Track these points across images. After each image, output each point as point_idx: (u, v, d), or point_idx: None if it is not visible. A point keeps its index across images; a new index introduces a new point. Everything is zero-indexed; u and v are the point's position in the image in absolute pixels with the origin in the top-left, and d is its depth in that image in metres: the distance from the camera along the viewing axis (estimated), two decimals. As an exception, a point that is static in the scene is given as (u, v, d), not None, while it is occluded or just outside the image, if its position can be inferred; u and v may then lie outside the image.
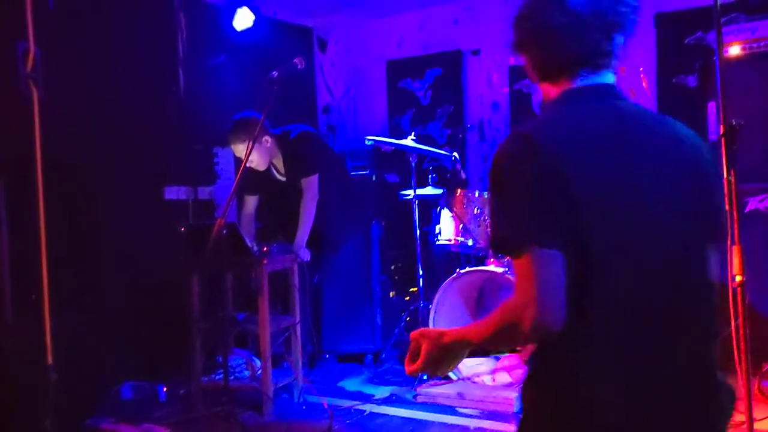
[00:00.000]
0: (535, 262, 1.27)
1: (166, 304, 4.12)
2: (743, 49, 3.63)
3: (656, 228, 1.31)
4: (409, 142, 4.11)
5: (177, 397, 3.89)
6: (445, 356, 1.47)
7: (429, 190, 4.34)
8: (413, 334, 1.52)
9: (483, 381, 3.81)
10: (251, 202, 4.24)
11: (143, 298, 4.12)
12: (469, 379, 3.84)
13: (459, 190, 4.10)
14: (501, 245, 1.37)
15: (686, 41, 4.69)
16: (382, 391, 3.95)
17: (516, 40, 1.48)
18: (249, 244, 3.61)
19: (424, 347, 1.46)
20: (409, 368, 1.50)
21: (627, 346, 1.29)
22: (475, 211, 4.02)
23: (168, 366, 4.14)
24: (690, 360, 1.32)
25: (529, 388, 1.41)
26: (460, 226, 4.03)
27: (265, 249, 3.68)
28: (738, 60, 3.63)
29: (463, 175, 4.32)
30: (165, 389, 3.90)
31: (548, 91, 1.48)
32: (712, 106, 3.64)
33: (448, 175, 4.42)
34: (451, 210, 4.07)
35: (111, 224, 4.12)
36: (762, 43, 3.57)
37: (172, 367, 4.12)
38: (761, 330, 3.34)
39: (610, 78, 1.44)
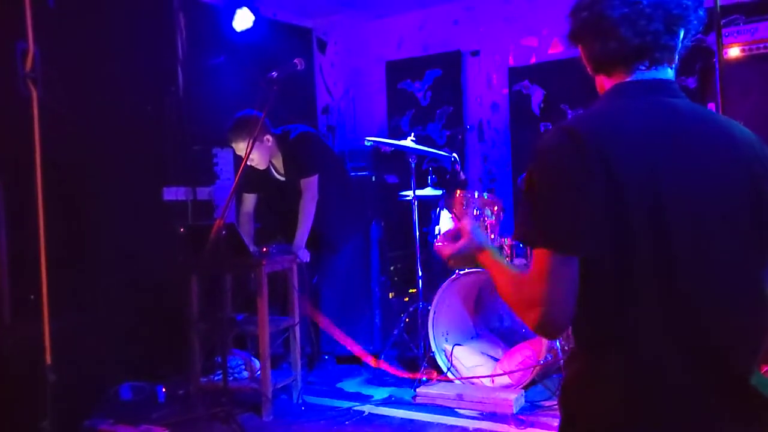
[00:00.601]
0: (549, 264, 1.28)
1: (165, 304, 4.12)
2: (743, 50, 3.63)
3: (700, 231, 1.26)
4: (408, 142, 4.11)
5: (176, 398, 3.89)
6: (470, 262, 1.57)
7: (428, 191, 4.34)
8: (463, 225, 1.56)
9: (482, 382, 3.81)
10: (250, 200, 4.24)
11: (142, 298, 4.12)
12: (468, 380, 3.84)
13: (458, 191, 4.10)
14: (522, 239, 1.42)
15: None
16: (381, 392, 3.95)
17: (571, 31, 1.44)
18: (248, 244, 3.61)
19: (461, 242, 1.54)
20: (439, 248, 1.60)
21: (663, 352, 1.26)
22: (475, 212, 4.02)
23: (167, 366, 4.14)
24: (728, 371, 1.27)
25: (566, 390, 1.39)
26: (460, 227, 4.03)
27: (264, 250, 3.68)
28: (737, 61, 3.64)
29: (463, 176, 4.32)
30: (164, 390, 3.90)
31: (603, 83, 1.44)
32: (711, 108, 3.65)
33: (448, 176, 4.41)
34: (450, 211, 4.07)
35: (110, 224, 4.11)
36: (761, 45, 3.57)
37: (171, 367, 4.12)
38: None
39: (668, 74, 1.39)
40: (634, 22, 1.34)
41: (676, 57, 1.39)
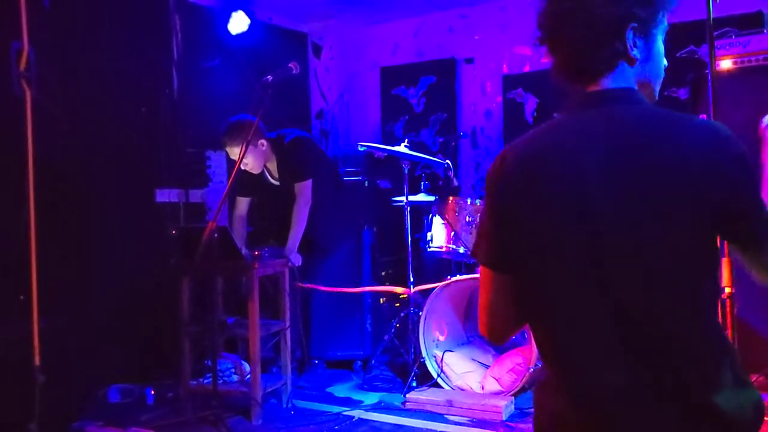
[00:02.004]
0: (483, 277, 1.43)
1: (156, 306, 4.10)
2: (734, 63, 3.66)
3: (637, 241, 1.24)
4: (402, 148, 4.12)
5: (165, 401, 3.87)
6: None
7: (421, 197, 4.35)
8: None
9: (472, 389, 3.81)
10: (243, 203, 4.24)
11: (133, 300, 4.10)
12: (458, 386, 3.84)
13: (451, 198, 4.11)
14: (471, 255, 1.52)
15: (678, 54, 4.73)
16: (370, 398, 3.94)
17: None
18: (240, 248, 3.60)
19: None
20: None
21: (602, 362, 1.27)
22: (467, 219, 4.03)
23: (156, 369, 4.12)
24: (672, 379, 1.24)
25: (533, 395, 1.47)
26: (452, 233, 4.04)
27: (256, 253, 3.68)
28: (729, 74, 3.66)
29: (455, 183, 4.34)
30: (153, 392, 3.88)
31: None
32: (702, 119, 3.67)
33: (441, 183, 4.42)
34: (442, 217, 4.08)
35: (101, 226, 4.10)
36: (753, 58, 3.60)
37: (161, 370, 4.10)
38: (749, 341, 3.36)
39: (624, 77, 1.35)
40: (562, 45, 1.36)
41: (633, 54, 1.33)
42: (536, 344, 1.42)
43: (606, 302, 1.25)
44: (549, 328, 1.36)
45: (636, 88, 1.36)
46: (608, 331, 1.26)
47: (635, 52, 1.34)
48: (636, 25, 1.32)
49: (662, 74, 1.42)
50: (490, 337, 1.47)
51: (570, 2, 1.32)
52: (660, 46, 1.40)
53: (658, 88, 1.42)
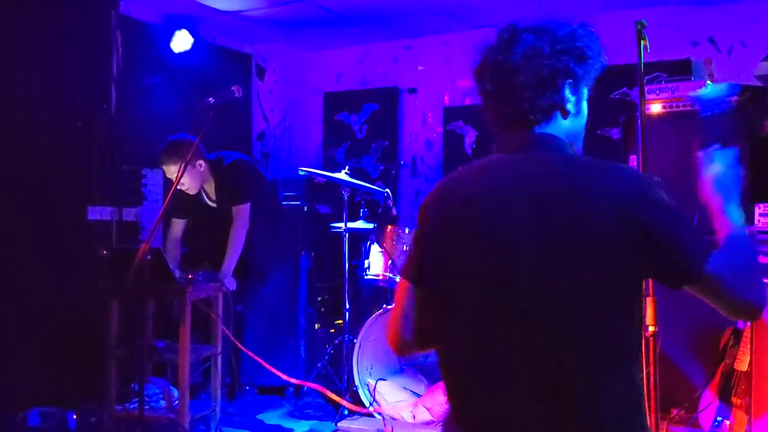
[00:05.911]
0: (400, 291, 1.52)
1: (82, 328, 3.96)
2: (664, 107, 3.81)
3: (551, 278, 1.27)
4: (342, 175, 4.13)
5: (88, 426, 3.74)
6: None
7: (360, 224, 4.36)
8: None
9: (404, 418, 3.81)
10: (179, 225, 4.16)
11: (57, 320, 3.95)
12: (389, 415, 3.83)
13: (389, 227, 4.13)
14: (399, 274, 1.62)
15: (612, 95, 4.91)
16: (301, 426, 3.90)
17: None
18: (173, 270, 3.53)
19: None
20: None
21: (507, 398, 1.30)
22: (404, 248, 4.06)
23: (80, 392, 3.97)
24: (569, 423, 1.26)
25: None
26: (389, 261, 4.06)
27: (190, 277, 3.61)
28: (659, 117, 3.82)
29: (395, 212, 4.37)
30: (75, 417, 3.74)
31: None
32: (633, 159, 3.81)
33: (380, 210, 4.45)
34: (380, 245, 4.09)
35: (27, 242, 3.95)
36: (681, 103, 3.76)
37: (85, 393, 3.96)
38: (670, 377, 3.47)
39: (556, 126, 1.42)
40: (504, 92, 1.42)
41: (567, 105, 1.42)
42: (442, 376, 1.44)
43: (519, 342, 1.29)
44: (453, 361, 1.40)
45: (564, 138, 1.43)
46: (516, 373, 1.29)
47: (569, 106, 1.43)
48: (571, 81, 1.41)
49: (584, 132, 1.51)
50: (395, 347, 1.54)
51: (514, 55, 1.38)
52: (586, 107, 1.48)
53: (580, 144, 1.50)
